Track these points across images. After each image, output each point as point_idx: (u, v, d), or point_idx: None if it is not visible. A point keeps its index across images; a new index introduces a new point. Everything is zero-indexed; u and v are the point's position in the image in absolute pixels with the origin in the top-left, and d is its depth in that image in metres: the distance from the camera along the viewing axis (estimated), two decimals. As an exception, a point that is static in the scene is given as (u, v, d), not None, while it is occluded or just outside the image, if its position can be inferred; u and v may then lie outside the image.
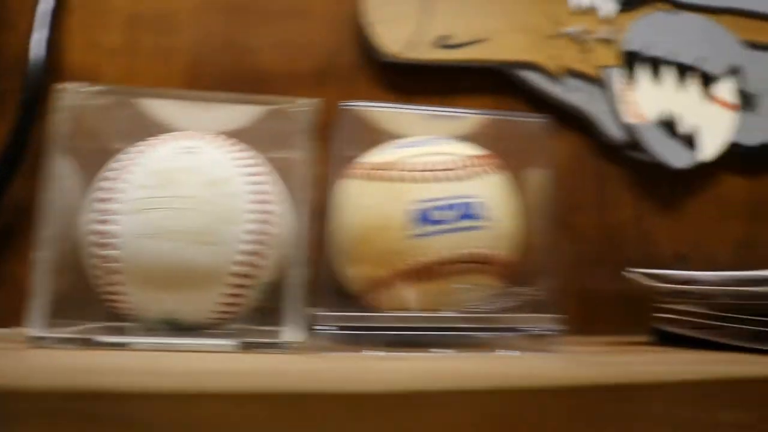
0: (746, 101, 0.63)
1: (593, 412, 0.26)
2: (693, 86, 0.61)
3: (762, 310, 0.43)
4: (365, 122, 0.44)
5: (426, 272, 0.40)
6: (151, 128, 0.42)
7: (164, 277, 0.38)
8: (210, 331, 0.42)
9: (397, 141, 0.44)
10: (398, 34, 0.54)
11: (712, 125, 0.61)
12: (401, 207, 0.40)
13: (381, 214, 0.41)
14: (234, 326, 0.43)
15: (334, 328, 0.39)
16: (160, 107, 0.42)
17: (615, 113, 0.59)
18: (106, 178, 0.39)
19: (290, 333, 0.39)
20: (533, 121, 0.43)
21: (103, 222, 0.38)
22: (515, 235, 0.42)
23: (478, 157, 0.42)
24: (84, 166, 0.39)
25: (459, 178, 0.41)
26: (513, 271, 0.43)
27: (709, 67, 0.62)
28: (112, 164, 0.39)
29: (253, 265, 0.40)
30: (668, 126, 0.60)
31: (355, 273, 0.43)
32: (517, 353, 0.39)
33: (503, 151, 0.44)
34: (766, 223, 0.64)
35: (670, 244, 0.62)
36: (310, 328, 0.38)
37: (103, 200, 0.39)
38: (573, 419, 0.26)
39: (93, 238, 0.38)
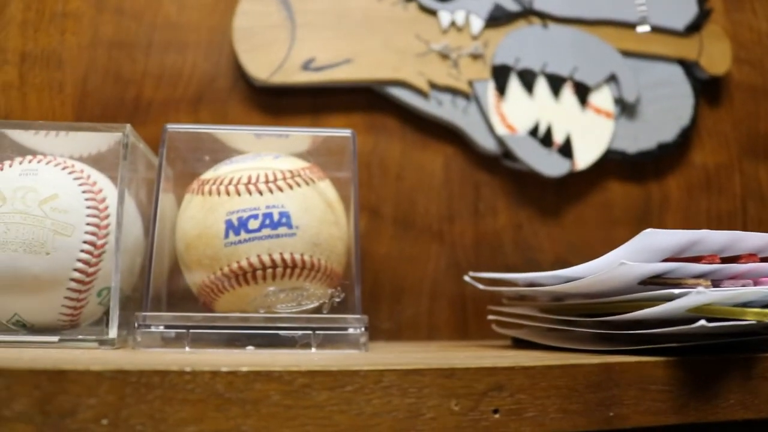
0: (625, 109, 0.64)
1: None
2: (567, 96, 0.63)
3: (575, 309, 0.44)
4: (196, 142, 0.49)
5: (242, 276, 0.44)
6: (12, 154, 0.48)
7: (2, 283, 0.43)
8: (61, 330, 0.47)
9: (230, 159, 0.49)
10: (267, 61, 0.58)
11: (588, 134, 0.62)
12: (218, 218, 0.45)
13: (202, 224, 0.45)
14: (85, 326, 0.48)
15: (160, 327, 0.43)
16: (19, 136, 0.49)
17: (487, 125, 0.61)
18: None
19: (111, 331, 0.44)
20: (342, 134, 0.47)
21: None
22: (328, 241, 0.46)
23: (292, 170, 0.46)
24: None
25: (271, 191, 0.45)
26: (327, 275, 0.46)
27: (584, 77, 0.63)
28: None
29: (89, 273, 0.45)
30: (545, 136, 0.62)
31: (187, 279, 0.48)
32: (312, 351, 0.42)
33: (321, 162, 0.48)
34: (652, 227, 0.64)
35: (553, 250, 0.63)
36: (138, 328, 0.43)
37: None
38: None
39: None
